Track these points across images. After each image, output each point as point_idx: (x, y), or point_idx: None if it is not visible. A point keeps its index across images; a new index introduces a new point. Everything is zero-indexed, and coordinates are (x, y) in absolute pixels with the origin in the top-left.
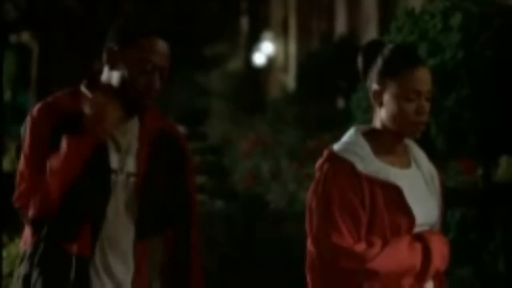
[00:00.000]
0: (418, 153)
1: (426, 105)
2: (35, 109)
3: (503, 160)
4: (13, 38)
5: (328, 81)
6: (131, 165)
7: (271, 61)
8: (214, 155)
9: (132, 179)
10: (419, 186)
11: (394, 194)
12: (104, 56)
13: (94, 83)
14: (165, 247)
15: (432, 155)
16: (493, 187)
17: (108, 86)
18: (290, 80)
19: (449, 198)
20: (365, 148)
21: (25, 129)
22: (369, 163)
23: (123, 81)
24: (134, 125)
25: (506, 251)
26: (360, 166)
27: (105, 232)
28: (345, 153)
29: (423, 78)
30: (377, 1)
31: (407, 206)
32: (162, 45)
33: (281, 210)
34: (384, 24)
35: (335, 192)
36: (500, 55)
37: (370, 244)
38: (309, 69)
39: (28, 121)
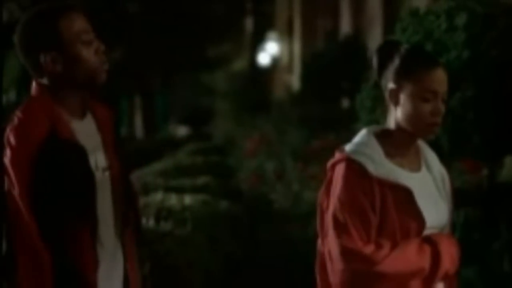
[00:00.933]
0: (430, 155)
1: (442, 107)
2: (12, 150)
3: (508, 160)
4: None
5: (333, 81)
6: (101, 159)
7: (275, 61)
8: (218, 155)
9: (106, 173)
10: (428, 188)
11: (404, 196)
12: (44, 64)
13: (45, 88)
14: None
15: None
16: (498, 187)
17: (61, 85)
18: (294, 80)
19: (454, 198)
20: (376, 150)
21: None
22: (380, 165)
23: (77, 62)
24: (90, 121)
25: (511, 251)
26: (371, 168)
27: (98, 239)
28: (356, 155)
29: (440, 79)
30: (382, 1)
31: (417, 209)
32: (78, 15)
33: (286, 210)
34: (388, 24)
35: (346, 194)
36: (504, 55)
37: (379, 246)
38: (313, 69)
39: (8, 163)
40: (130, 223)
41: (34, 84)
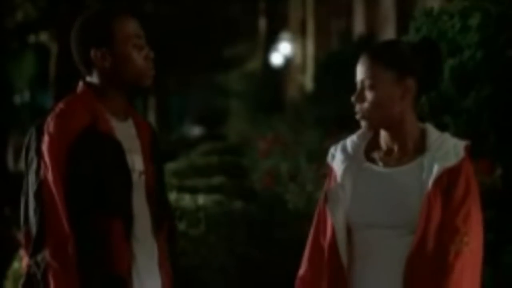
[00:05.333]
0: (436, 155)
1: (363, 95)
2: (51, 137)
3: None
4: (31, 38)
5: (347, 81)
6: (139, 163)
7: (289, 61)
8: (232, 155)
9: (142, 177)
10: (394, 185)
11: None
12: (94, 60)
13: (92, 86)
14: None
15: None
16: None
17: (108, 83)
18: (307, 81)
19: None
20: (353, 142)
21: (42, 154)
22: (334, 156)
23: (125, 62)
24: (130, 125)
25: None
26: (329, 158)
27: (134, 235)
28: (333, 145)
29: (358, 68)
30: (395, 1)
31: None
32: (133, 19)
33: (300, 210)
34: (402, 24)
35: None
36: None
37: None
38: (327, 69)
39: (45, 149)
40: (163, 228)
41: (80, 82)
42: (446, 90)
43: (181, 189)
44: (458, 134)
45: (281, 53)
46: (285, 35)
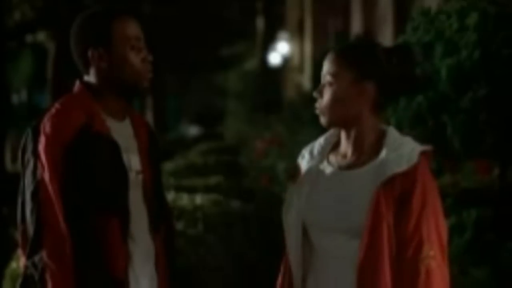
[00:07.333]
0: (390, 158)
1: (324, 91)
2: (46, 137)
3: None
4: (29, 38)
5: None
6: (136, 163)
7: (286, 61)
8: (230, 155)
9: (139, 176)
10: (345, 187)
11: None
12: (91, 59)
13: (89, 85)
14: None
15: (448, 155)
16: (510, 187)
17: (104, 83)
18: (305, 80)
19: (465, 198)
20: (321, 142)
21: (38, 154)
22: (305, 158)
23: (122, 63)
24: (128, 125)
25: None
26: (300, 159)
27: (130, 235)
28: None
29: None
30: (393, 1)
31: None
32: (133, 21)
33: None
34: (399, 24)
35: None
36: None
37: None
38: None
39: (42, 149)
40: (161, 227)
41: (77, 82)
42: (443, 89)
43: (178, 189)
44: (455, 133)
45: (279, 52)
46: (283, 34)
